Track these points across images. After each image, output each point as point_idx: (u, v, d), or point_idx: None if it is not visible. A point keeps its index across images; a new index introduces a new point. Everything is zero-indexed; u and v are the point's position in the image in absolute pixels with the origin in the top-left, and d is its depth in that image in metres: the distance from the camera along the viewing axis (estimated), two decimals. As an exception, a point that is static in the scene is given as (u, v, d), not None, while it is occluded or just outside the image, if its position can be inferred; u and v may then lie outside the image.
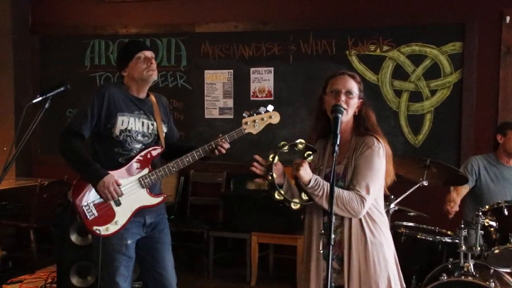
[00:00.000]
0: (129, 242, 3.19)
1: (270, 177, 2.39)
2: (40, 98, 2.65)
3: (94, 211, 3.14)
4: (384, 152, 2.52)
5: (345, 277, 2.46)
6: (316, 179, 2.42)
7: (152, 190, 3.25)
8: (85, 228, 3.18)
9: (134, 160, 3.21)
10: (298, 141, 2.41)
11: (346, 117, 2.50)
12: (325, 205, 2.42)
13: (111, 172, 3.13)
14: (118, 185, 3.11)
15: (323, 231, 2.42)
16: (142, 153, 3.23)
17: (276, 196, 2.42)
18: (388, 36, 5.39)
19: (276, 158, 2.39)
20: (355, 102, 2.54)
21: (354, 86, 2.54)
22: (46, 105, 2.64)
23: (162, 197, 3.27)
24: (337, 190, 2.40)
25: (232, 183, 5.83)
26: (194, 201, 5.94)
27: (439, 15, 5.27)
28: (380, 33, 5.41)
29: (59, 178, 5.63)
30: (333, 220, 2.20)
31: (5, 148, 6.17)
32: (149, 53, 3.25)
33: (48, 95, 2.66)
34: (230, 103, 5.85)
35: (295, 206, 2.44)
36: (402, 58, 5.38)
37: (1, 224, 5.62)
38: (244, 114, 3.22)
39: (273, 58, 5.69)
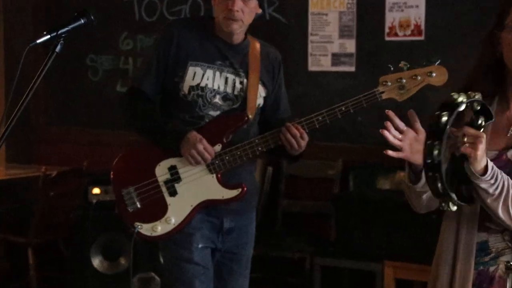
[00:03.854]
0: (200, 246, 3.42)
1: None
2: (48, 37, 2.62)
3: (137, 201, 3.43)
4: None
5: None
6: (493, 167, 2.40)
7: (226, 177, 3.41)
8: (124, 224, 3.50)
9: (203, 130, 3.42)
10: (477, 97, 2.34)
11: None
12: (501, 212, 2.43)
13: None
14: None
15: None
16: (215, 121, 3.42)
17: (451, 207, 2.36)
18: None
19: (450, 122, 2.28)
20: None
21: None
22: (57, 49, 2.63)
23: (240, 190, 3.41)
24: None
25: (351, 178, 5.85)
26: (289, 206, 6.02)
27: None
28: None
29: (74, 165, 5.89)
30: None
31: (-9, 117, 6.35)
32: None
33: (59, 31, 2.64)
34: (351, 46, 5.83)
35: (452, 207, 2.40)
36: None
37: (-15, 238, 5.73)
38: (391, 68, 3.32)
39: (425, -29, 5.67)
